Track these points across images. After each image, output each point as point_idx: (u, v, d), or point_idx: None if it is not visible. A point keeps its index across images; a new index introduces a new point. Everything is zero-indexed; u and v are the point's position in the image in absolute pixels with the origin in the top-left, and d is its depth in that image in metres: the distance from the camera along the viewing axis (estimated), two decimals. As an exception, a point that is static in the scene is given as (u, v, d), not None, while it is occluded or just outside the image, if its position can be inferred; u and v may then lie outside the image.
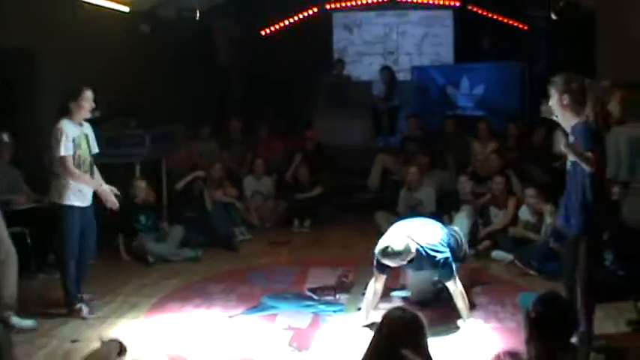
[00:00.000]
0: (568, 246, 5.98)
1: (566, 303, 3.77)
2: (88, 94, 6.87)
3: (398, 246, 6.10)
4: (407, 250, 6.11)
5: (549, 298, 3.68)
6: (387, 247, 6.12)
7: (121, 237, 9.25)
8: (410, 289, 7.26)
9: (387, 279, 6.57)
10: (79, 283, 7.16)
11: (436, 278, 6.68)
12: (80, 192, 6.89)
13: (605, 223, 5.94)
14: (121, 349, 4.26)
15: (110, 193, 7.07)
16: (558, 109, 5.71)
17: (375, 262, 6.41)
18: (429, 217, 9.36)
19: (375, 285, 6.52)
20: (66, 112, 6.83)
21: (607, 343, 3.81)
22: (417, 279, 6.98)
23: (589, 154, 5.41)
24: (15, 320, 6.54)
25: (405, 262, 6.22)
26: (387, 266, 6.32)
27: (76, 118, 6.87)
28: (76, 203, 6.86)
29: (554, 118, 5.83)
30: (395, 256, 6.11)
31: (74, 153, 6.80)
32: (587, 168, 5.44)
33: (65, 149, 6.72)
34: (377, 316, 6.50)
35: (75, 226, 6.88)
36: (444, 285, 6.45)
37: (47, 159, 7.09)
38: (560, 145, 5.70)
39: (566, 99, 5.64)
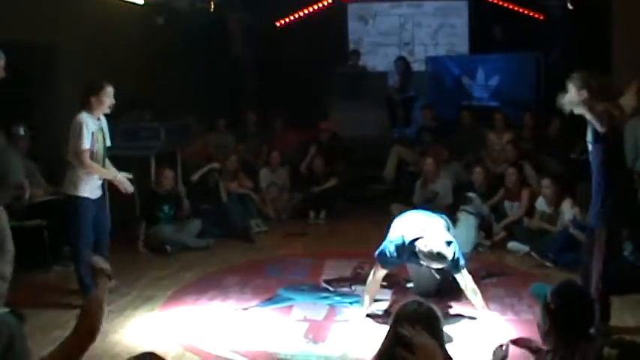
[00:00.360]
0: (586, 237, 5.99)
1: (585, 293, 3.74)
2: (109, 90, 6.94)
3: (445, 251, 5.95)
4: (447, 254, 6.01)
5: (568, 288, 3.64)
6: (438, 253, 5.92)
7: (143, 226, 9.31)
8: (413, 283, 7.23)
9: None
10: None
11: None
12: (92, 184, 6.97)
13: (623, 215, 5.89)
14: None
15: (124, 179, 7.14)
16: (576, 103, 5.73)
17: (382, 256, 6.34)
18: (446, 208, 9.45)
19: (376, 276, 6.46)
20: (87, 106, 6.89)
21: (621, 338, 3.78)
22: (419, 273, 6.93)
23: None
24: None
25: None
26: (394, 263, 6.28)
27: (95, 112, 6.94)
28: (89, 195, 6.94)
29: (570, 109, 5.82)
30: (442, 260, 5.99)
31: (92, 148, 6.86)
32: (600, 128, 5.56)
33: (86, 142, 6.78)
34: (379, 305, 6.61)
35: (89, 217, 6.95)
36: (453, 277, 6.38)
37: (65, 151, 7.10)
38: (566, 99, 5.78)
39: (584, 94, 5.69)
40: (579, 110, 5.75)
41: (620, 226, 6.09)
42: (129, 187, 7.18)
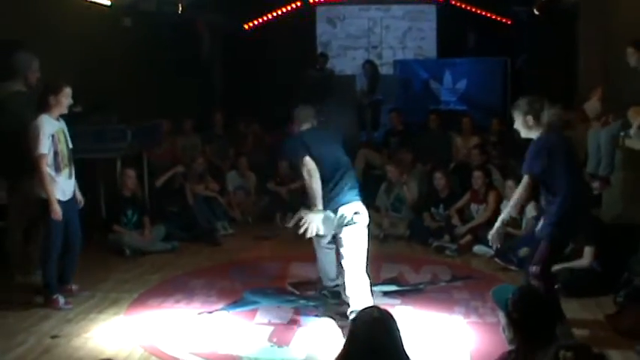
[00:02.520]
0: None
1: (546, 297, 3.77)
2: (68, 91, 6.93)
3: None
4: None
5: (528, 294, 3.67)
6: None
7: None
8: None
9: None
10: (70, 273, 7.34)
11: None
12: (62, 185, 6.97)
13: (569, 229, 5.97)
14: None
15: (57, 208, 6.90)
16: (524, 129, 5.96)
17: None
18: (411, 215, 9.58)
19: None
20: (45, 107, 6.85)
21: (575, 341, 3.84)
22: None
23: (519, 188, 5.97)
24: None
25: None
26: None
27: (54, 113, 6.90)
28: (59, 197, 6.91)
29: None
30: None
31: (55, 149, 6.84)
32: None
33: (42, 147, 6.74)
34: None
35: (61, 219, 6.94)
36: None
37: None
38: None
39: (530, 120, 5.88)
40: (528, 135, 5.96)
41: (566, 239, 6.17)
42: (57, 215, 6.90)
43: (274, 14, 16.22)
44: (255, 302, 7.08)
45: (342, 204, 6.30)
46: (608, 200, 8.05)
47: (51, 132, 6.81)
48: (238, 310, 6.89)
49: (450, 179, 10.00)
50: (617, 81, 8.62)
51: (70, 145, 7.12)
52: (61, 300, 6.98)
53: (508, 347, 3.74)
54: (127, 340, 6.16)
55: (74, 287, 7.40)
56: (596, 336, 5.97)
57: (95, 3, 10.83)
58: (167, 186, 10.31)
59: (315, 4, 16.58)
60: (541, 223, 6.07)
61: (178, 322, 6.58)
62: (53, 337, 6.17)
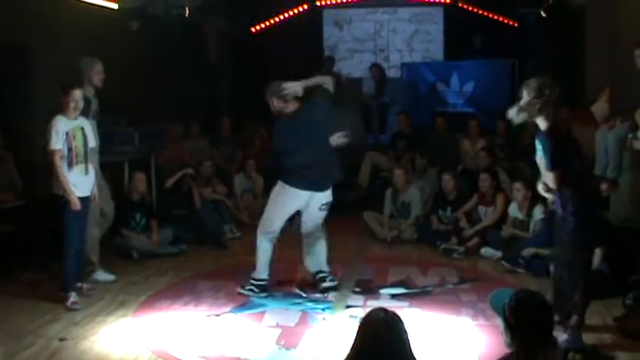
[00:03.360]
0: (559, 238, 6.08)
1: (542, 300, 3.75)
2: (76, 93, 7.10)
3: None
4: None
5: (524, 299, 3.66)
6: None
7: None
8: None
9: None
10: (81, 272, 7.47)
11: None
12: (79, 181, 7.14)
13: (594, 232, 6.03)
14: None
15: (75, 199, 7.13)
16: (529, 111, 5.81)
17: None
18: (416, 219, 9.60)
19: None
20: (60, 108, 7.10)
21: (585, 344, 3.83)
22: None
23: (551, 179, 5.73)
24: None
25: None
26: None
27: (67, 114, 7.10)
28: (77, 193, 7.08)
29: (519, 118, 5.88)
30: None
31: (69, 145, 7.04)
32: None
33: (53, 143, 6.96)
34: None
35: (76, 215, 7.11)
36: None
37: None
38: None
39: (538, 104, 5.73)
40: (524, 116, 5.85)
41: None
42: (75, 206, 7.13)
43: (281, 18, 16.23)
44: (262, 305, 7.08)
45: None
46: (616, 202, 8.02)
47: (65, 130, 7.02)
48: (246, 312, 6.89)
49: (457, 181, 9.99)
50: (625, 83, 8.59)
51: (92, 144, 7.33)
52: (72, 298, 7.08)
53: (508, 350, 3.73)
54: (135, 342, 6.16)
55: (85, 286, 7.51)
56: (605, 338, 5.94)
57: (102, 6, 10.85)
58: (175, 189, 10.32)
59: (322, 7, 16.57)
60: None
61: (186, 325, 6.58)
62: (61, 339, 6.18)
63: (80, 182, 7.15)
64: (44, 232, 8.11)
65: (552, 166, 5.68)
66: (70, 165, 7.06)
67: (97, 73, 7.85)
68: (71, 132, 7.06)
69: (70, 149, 7.05)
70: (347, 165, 11.95)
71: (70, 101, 7.05)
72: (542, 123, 5.81)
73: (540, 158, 5.87)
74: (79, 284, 7.41)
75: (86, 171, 7.23)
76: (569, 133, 5.99)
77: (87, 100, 7.64)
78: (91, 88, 7.83)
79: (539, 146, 5.86)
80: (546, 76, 5.90)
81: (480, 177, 9.60)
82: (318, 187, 7.22)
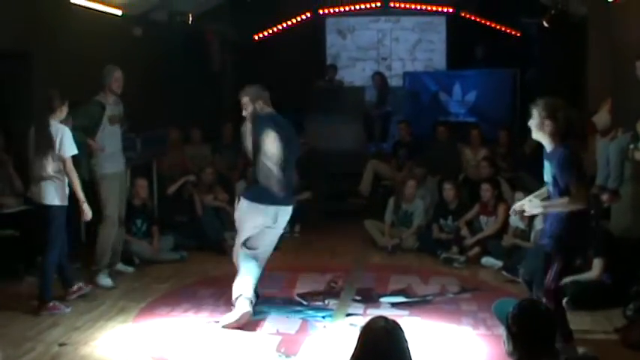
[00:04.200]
0: (537, 252, 6.06)
1: (545, 310, 3.76)
2: (67, 102, 7.27)
3: None
4: None
5: (528, 308, 3.66)
6: None
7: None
8: None
9: None
10: (69, 273, 7.54)
11: None
12: (62, 191, 7.18)
13: (580, 241, 5.96)
14: None
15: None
16: (538, 132, 5.76)
17: None
18: (421, 229, 9.62)
19: None
20: (53, 114, 7.15)
21: (581, 353, 3.83)
22: None
23: (574, 193, 5.52)
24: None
25: None
26: None
27: (58, 119, 7.22)
28: (63, 202, 7.19)
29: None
30: None
31: None
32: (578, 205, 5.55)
33: (70, 150, 7.12)
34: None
35: (63, 225, 7.24)
36: None
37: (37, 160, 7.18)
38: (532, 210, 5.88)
39: (549, 125, 5.67)
40: (537, 137, 5.80)
41: (576, 251, 6.14)
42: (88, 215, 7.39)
43: (284, 25, 16.26)
44: (262, 312, 7.07)
45: None
46: (617, 213, 8.02)
47: (59, 136, 7.09)
48: (246, 319, 6.89)
49: (458, 190, 9.99)
50: (627, 93, 8.61)
51: (65, 154, 7.27)
52: (58, 304, 7.12)
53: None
54: (135, 348, 6.16)
55: (80, 285, 7.58)
56: (605, 349, 5.92)
57: (106, 13, 10.88)
58: (176, 196, 10.33)
59: (324, 15, 16.60)
60: (547, 234, 5.95)
61: (186, 332, 6.59)
62: (61, 344, 6.19)
63: (65, 191, 7.21)
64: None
65: (577, 179, 5.56)
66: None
67: (116, 81, 8.05)
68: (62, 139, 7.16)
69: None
70: (348, 173, 12.06)
71: (65, 109, 7.21)
72: (549, 145, 5.76)
73: (550, 181, 5.78)
74: (75, 286, 7.47)
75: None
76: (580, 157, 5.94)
77: (102, 106, 7.91)
78: (109, 95, 8.07)
79: (549, 167, 5.77)
80: (558, 99, 5.85)
81: (481, 187, 9.60)
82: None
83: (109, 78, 8.02)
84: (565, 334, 5.63)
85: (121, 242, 8.52)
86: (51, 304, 7.06)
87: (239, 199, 7.12)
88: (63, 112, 7.21)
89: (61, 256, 7.29)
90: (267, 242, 7.09)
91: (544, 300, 5.64)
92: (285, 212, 7.04)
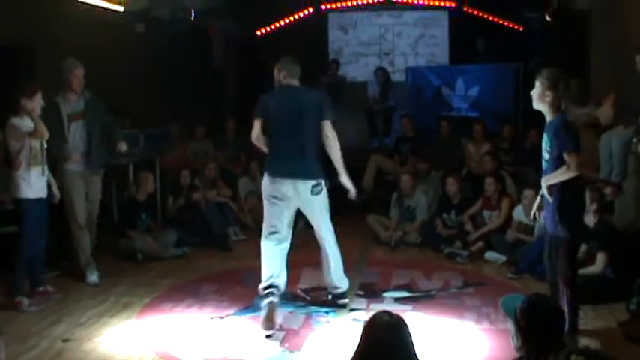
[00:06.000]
0: (547, 245, 6.06)
1: (554, 304, 3.77)
2: (39, 96, 7.18)
3: None
4: None
5: (536, 303, 3.66)
6: None
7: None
8: None
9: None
10: (41, 275, 7.51)
11: None
12: (31, 183, 7.17)
13: (580, 222, 6.06)
14: None
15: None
16: (539, 102, 5.80)
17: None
18: (424, 224, 9.60)
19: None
20: (20, 109, 7.12)
21: (587, 347, 3.84)
22: None
23: (568, 161, 5.59)
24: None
25: None
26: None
27: (24, 115, 7.14)
28: (29, 195, 7.16)
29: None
30: None
31: (29, 146, 7.12)
32: (570, 173, 5.61)
33: (16, 144, 7.10)
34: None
35: (36, 219, 7.20)
36: None
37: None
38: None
39: (549, 96, 5.72)
40: (538, 107, 5.84)
41: (580, 230, 6.17)
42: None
43: (286, 21, 16.25)
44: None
45: None
46: (621, 207, 8.01)
47: (25, 130, 7.06)
48: (250, 315, 6.88)
49: (462, 185, 9.98)
50: (630, 87, 8.60)
51: (45, 145, 7.30)
52: (26, 302, 7.09)
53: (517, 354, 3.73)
54: (139, 344, 6.17)
55: (48, 288, 7.52)
56: (608, 343, 5.92)
57: (108, 9, 10.88)
58: (178, 190, 10.34)
59: (327, 10, 16.59)
60: (550, 219, 5.95)
61: (190, 327, 6.59)
62: (65, 340, 6.19)
63: (38, 183, 7.21)
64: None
65: (572, 147, 5.60)
66: (28, 166, 7.11)
67: (75, 77, 7.87)
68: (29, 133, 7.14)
69: (29, 150, 7.12)
70: (351, 168, 12.03)
71: (36, 103, 7.12)
72: (549, 115, 5.80)
73: (547, 150, 5.82)
74: (43, 288, 7.44)
75: (43, 172, 7.27)
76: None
77: (55, 106, 7.72)
78: (69, 92, 7.92)
79: (547, 138, 5.80)
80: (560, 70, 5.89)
81: (485, 181, 9.59)
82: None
83: (68, 75, 7.84)
84: (573, 325, 5.68)
85: (88, 246, 8.24)
86: (17, 299, 7.06)
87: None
88: (37, 107, 7.12)
89: (36, 253, 7.28)
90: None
91: (560, 287, 5.72)
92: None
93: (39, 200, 7.20)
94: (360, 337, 3.53)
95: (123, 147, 8.20)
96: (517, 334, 3.63)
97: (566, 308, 5.46)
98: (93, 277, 8.00)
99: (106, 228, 9.26)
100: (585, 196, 6.36)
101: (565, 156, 5.61)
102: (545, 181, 5.82)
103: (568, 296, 5.69)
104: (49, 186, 7.39)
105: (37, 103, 7.11)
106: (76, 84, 7.86)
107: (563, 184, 5.69)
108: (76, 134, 7.95)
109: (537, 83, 5.78)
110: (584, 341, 5.70)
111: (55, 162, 7.74)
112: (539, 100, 5.78)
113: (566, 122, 5.71)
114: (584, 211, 6.18)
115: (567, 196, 5.73)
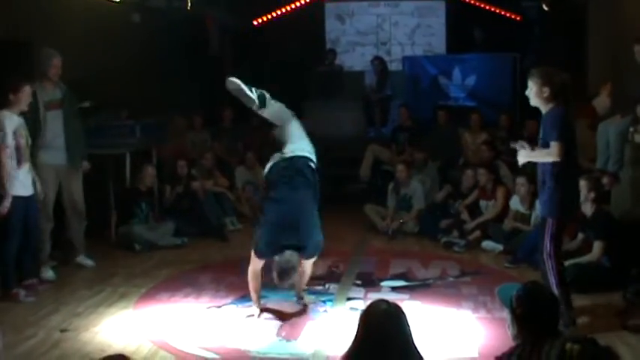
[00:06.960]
0: (539, 226, 6.14)
1: (550, 293, 3.78)
2: (27, 90, 7.18)
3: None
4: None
5: (532, 291, 3.67)
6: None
7: (114, 218, 9.43)
8: None
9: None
10: (31, 269, 7.45)
11: None
12: (20, 180, 7.13)
13: (571, 206, 6.07)
14: None
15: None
16: (537, 99, 5.87)
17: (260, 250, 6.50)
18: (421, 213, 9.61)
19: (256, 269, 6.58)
20: (6, 104, 7.08)
21: (584, 335, 3.85)
22: None
23: (551, 148, 5.71)
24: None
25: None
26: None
27: (14, 110, 7.12)
28: (21, 192, 7.11)
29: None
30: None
31: (17, 144, 7.06)
32: (550, 158, 5.74)
33: (1, 139, 6.96)
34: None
35: (22, 213, 7.13)
36: None
37: None
38: (520, 159, 6.03)
39: (546, 91, 5.79)
40: (537, 104, 5.90)
41: (569, 216, 6.22)
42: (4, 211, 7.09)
43: (283, 10, 16.20)
44: (263, 297, 7.05)
45: None
46: (617, 196, 8.02)
47: (12, 128, 7.02)
48: (247, 304, 6.86)
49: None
50: (627, 77, 8.59)
51: (30, 142, 7.30)
52: (22, 292, 7.10)
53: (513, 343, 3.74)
54: (136, 334, 6.18)
55: (34, 281, 7.45)
56: (605, 332, 5.93)
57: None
58: (175, 180, 10.34)
59: (324, 0, 16.55)
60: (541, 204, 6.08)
61: (187, 317, 6.60)
62: (62, 330, 6.20)
63: (27, 180, 7.22)
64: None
65: (558, 137, 5.69)
66: (18, 163, 7.09)
67: (54, 67, 7.87)
68: (18, 130, 7.09)
69: (17, 148, 7.08)
70: (349, 158, 12.04)
71: (22, 97, 7.11)
72: (545, 108, 5.87)
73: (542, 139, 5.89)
74: (32, 281, 7.39)
75: (29, 169, 7.29)
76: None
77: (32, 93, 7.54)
78: (46, 81, 7.90)
79: (542, 130, 5.90)
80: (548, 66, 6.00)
81: (477, 171, 9.62)
82: None
83: (48, 64, 7.83)
84: (569, 315, 5.71)
85: (81, 234, 8.35)
86: (14, 290, 7.07)
87: None
88: (19, 101, 7.11)
89: (22, 248, 7.21)
90: None
91: (547, 265, 5.81)
92: None
93: (26, 198, 7.19)
94: (357, 325, 3.53)
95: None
96: (513, 322, 3.64)
97: (557, 291, 5.53)
98: (49, 272, 7.87)
99: (103, 219, 9.26)
100: (579, 185, 6.38)
101: (551, 143, 5.72)
102: (525, 156, 5.96)
103: (555, 275, 5.75)
104: (34, 182, 7.38)
105: (23, 98, 7.12)
106: (53, 73, 7.85)
107: (557, 171, 5.75)
108: (53, 124, 7.89)
109: (531, 84, 5.87)
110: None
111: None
112: (537, 97, 5.85)
113: (559, 113, 5.78)
114: (578, 197, 6.19)
115: (560, 183, 5.79)
